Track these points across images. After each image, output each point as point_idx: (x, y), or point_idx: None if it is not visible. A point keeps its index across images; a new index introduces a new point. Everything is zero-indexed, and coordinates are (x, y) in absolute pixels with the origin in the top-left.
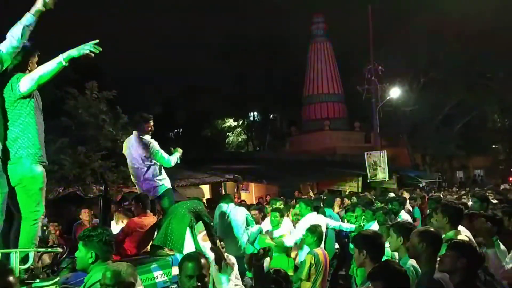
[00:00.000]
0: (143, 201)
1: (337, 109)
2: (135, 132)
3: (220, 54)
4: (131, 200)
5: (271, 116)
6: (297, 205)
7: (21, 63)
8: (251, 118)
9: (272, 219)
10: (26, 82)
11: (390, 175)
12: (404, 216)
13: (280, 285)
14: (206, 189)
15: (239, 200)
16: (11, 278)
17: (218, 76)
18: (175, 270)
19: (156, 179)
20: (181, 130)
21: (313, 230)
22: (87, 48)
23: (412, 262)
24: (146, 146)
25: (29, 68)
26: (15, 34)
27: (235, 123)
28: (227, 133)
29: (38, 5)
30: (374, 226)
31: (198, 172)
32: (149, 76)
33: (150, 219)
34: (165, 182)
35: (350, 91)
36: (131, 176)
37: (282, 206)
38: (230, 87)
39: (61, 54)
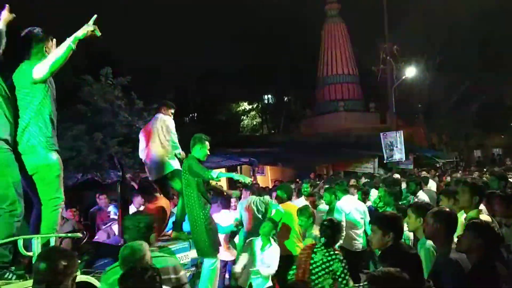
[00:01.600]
0: (147, 188)
1: (351, 90)
2: (156, 115)
3: (233, 37)
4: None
5: (285, 99)
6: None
7: (37, 52)
8: (265, 101)
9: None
10: (40, 68)
11: (407, 156)
12: (421, 196)
13: (334, 227)
14: None
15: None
16: (63, 263)
17: (231, 59)
18: (192, 254)
19: (165, 158)
20: (195, 115)
21: (304, 212)
22: (90, 28)
23: (431, 242)
24: (162, 120)
25: (46, 55)
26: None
27: (250, 107)
28: (242, 117)
29: None
30: None
31: (214, 156)
32: (162, 61)
33: (161, 202)
34: (173, 162)
35: (365, 71)
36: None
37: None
38: (244, 70)
39: (67, 39)
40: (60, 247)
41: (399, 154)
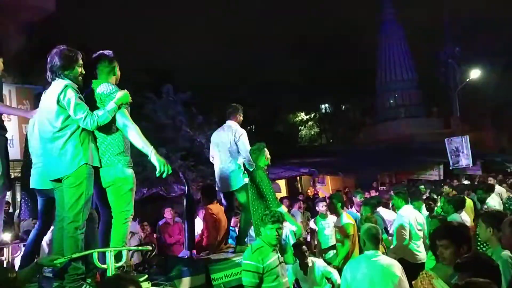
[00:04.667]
0: (208, 192)
1: (412, 95)
2: (227, 122)
3: (288, 47)
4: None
5: (343, 107)
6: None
7: (109, 71)
8: (323, 111)
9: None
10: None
11: (474, 161)
12: (491, 202)
13: None
14: (282, 183)
15: (315, 193)
16: None
17: (287, 70)
18: None
19: (234, 172)
20: (253, 127)
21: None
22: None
23: (508, 252)
24: (236, 132)
25: (117, 74)
26: (100, 116)
27: (307, 117)
28: (299, 127)
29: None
30: (463, 215)
31: (273, 167)
32: (219, 75)
33: (218, 208)
34: (243, 177)
35: (425, 75)
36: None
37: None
38: (300, 80)
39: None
40: (125, 275)
41: (465, 160)
